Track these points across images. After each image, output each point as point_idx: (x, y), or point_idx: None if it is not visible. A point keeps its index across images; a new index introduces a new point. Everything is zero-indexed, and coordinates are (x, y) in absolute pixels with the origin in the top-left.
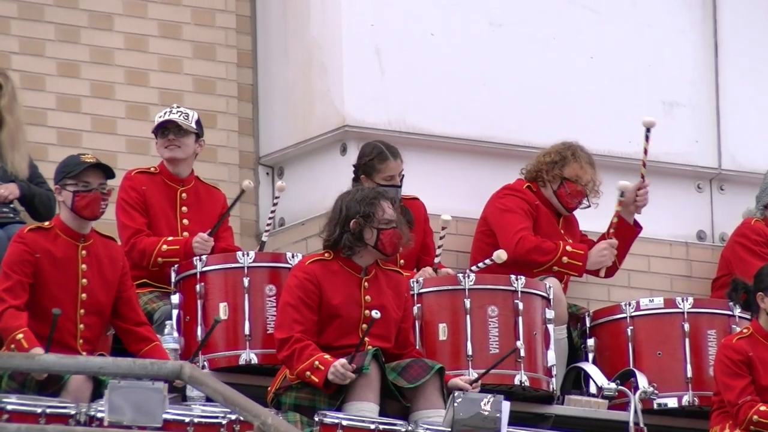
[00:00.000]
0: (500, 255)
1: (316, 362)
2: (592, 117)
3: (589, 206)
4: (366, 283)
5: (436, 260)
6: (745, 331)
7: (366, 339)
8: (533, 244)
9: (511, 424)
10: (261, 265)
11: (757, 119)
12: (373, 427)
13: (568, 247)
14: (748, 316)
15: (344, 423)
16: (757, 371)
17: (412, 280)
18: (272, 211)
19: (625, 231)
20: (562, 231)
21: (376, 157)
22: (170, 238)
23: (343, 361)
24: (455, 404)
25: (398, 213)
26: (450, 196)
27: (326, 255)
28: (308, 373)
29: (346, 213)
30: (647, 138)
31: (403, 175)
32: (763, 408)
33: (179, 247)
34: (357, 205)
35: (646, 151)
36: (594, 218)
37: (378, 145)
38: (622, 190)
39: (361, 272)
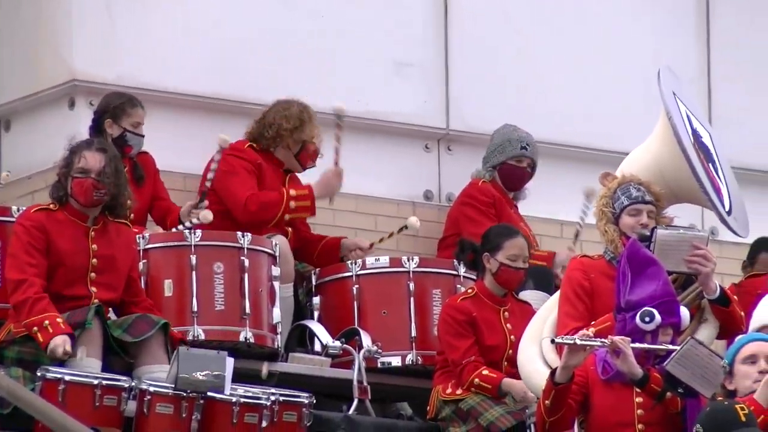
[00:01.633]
0: (206, 215)
1: (46, 322)
2: (326, 75)
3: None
4: (93, 233)
5: (207, 184)
6: (469, 291)
7: (93, 290)
8: (259, 203)
9: (235, 381)
10: None
11: (486, 79)
12: (96, 382)
13: (292, 191)
14: (474, 277)
15: (67, 378)
16: (481, 332)
17: (138, 235)
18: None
19: (330, 258)
20: (287, 187)
21: (127, 102)
22: None
23: (65, 338)
24: (179, 360)
25: (111, 167)
26: (183, 153)
27: (51, 206)
28: (35, 329)
29: (62, 162)
30: (339, 126)
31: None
32: (485, 372)
33: None
34: (67, 152)
35: (338, 138)
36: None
37: (125, 93)
38: (408, 226)
39: (87, 221)
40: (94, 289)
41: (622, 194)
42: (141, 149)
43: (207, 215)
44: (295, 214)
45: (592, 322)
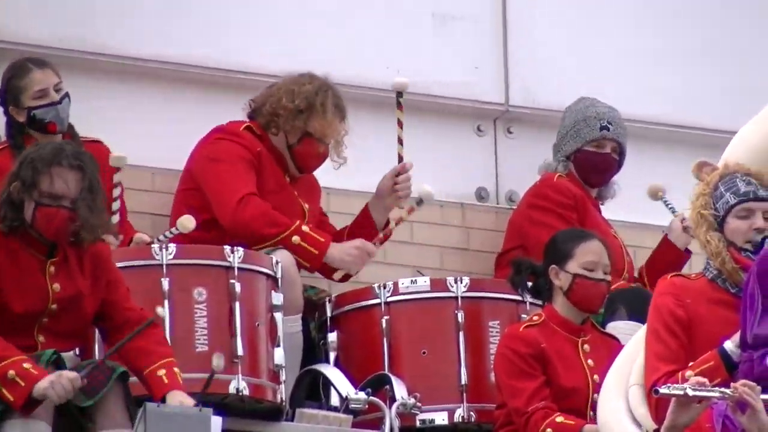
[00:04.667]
0: (185, 223)
1: (11, 373)
2: (339, 35)
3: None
4: (52, 267)
5: (114, 220)
6: (535, 318)
7: (40, 339)
8: (261, 209)
9: None
10: None
11: (558, 39)
12: None
13: (306, 228)
14: (542, 304)
15: None
16: (554, 368)
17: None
18: None
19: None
20: (295, 192)
21: (14, 75)
22: None
23: (74, 374)
24: (146, 421)
25: (85, 188)
26: (143, 139)
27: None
28: None
29: (16, 173)
30: (400, 105)
31: (66, 94)
32: (560, 419)
33: None
34: (29, 163)
35: (400, 123)
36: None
37: (18, 60)
38: (422, 197)
39: (45, 252)
40: (41, 338)
41: (727, 190)
42: (66, 119)
43: (185, 222)
44: (292, 251)
45: (690, 364)
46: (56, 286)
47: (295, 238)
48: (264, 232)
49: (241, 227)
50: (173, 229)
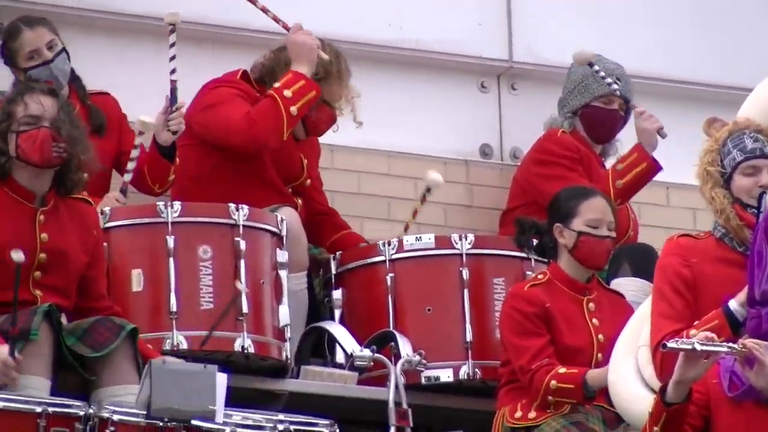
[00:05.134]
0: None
1: None
2: None
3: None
4: (42, 216)
5: (127, 177)
6: (540, 276)
7: (37, 293)
8: (256, 115)
9: (230, 404)
10: None
11: None
12: (39, 410)
13: (276, 84)
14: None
15: (0, 405)
16: (559, 328)
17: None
18: None
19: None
20: (302, 156)
21: (7, 37)
22: None
23: (3, 353)
24: (152, 377)
25: (66, 115)
26: (149, 95)
27: None
28: None
29: None
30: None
31: (64, 50)
32: (562, 370)
33: None
34: (4, 102)
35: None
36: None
37: (12, 21)
38: (429, 186)
39: (35, 201)
40: (38, 292)
41: (734, 147)
42: (63, 76)
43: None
44: (301, 113)
45: (695, 323)
46: (44, 236)
47: (288, 94)
48: (269, 129)
49: (249, 140)
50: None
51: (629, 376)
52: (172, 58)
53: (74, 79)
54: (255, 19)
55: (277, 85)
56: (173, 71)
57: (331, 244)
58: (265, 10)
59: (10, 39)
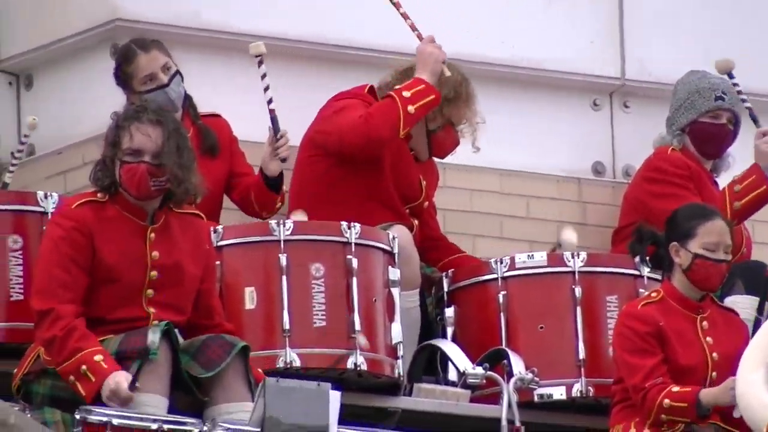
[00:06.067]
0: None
1: (84, 368)
2: (453, 11)
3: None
4: (152, 234)
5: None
6: (653, 294)
7: (150, 311)
8: (373, 114)
9: (342, 422)
10: (1, 208)
11: (676, 10)
12: (155, 426)
13: (405, 93)
14: (660, 278)
15: (115, 422)
16: (671, 347)
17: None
18: (19, 151)
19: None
20: (421, 177)
21: (123, 61)
22: None
23: (122, 381)
24: (266, 395)
25: (172, 144)
26: (262, 114)
27: (99, 195)
28: (72, 378)
29: (105, 136)
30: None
31: (178, 72)
32: (675, 389)
33: None
34: (113, 124)
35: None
36: None
37: (125, 44)
38: (561, 244)
39: (146, 219)
40: (152, 309)
41: None
42: (178, 99)
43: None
44: (419, 113)
45: None
46: (155, 253)
47: (406, 94)
48: (387, 126)
49: (366, 140)
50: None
51: (759, 388)
52: (267, 88)
53: (186, 100)
54: (364, 36)
55: (397, 87)
56: (270, 101)
57: (444, 265)
58: (405, 17)
59: (125, 63)
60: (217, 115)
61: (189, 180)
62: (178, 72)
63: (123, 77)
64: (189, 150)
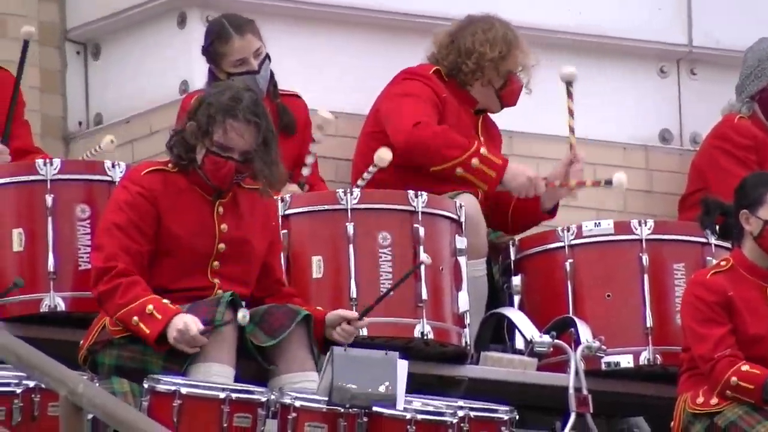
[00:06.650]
0: (382, 155)
1: (150, 307)
2: None
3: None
4: (220, 208)
5: (305, 172)
6: (723, 263)
7: (215, 281)
8: (437, 131)
9: (410, 391)
10: (70, 177)
11: None
12: (223, 396)
13: (484, 150)
14: (729, 246)
15: (184, 391)
16: (741, 316)
17: (277, 197)
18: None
19: (528, 214)
20: (481, 137)
21: (215, 39)
22: None
23: (190, 322)
24: (334, 364)
25: (256, 144)
26: (328, 86)
27: (170, 165)
28: (136, 318)
29: (193, 114)
30: (570, 94)
31: (267, 56)
32: (745, 368)
33: None
34: (206, 108)
35: (571, 112)
36: None
37: (220, 21)
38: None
39: (213, 193)
40: (216, 280)
41: None
42: (265, 86)
43: (383, 154)
44: (470, 176)
45: None
46: (224, 226)
47: (475, 161)
48: (443, 152)
49: (417, 146)
50: (370, 168)
51: None
52: None
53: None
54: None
55: (484, 151)
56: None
57: (513, 209)
58: (571, 113)
59: (219, 42)
60: (297, 95)
61: (273, 174)
62: (267, 56)
63: (213, 55)
64: (276, 143)
